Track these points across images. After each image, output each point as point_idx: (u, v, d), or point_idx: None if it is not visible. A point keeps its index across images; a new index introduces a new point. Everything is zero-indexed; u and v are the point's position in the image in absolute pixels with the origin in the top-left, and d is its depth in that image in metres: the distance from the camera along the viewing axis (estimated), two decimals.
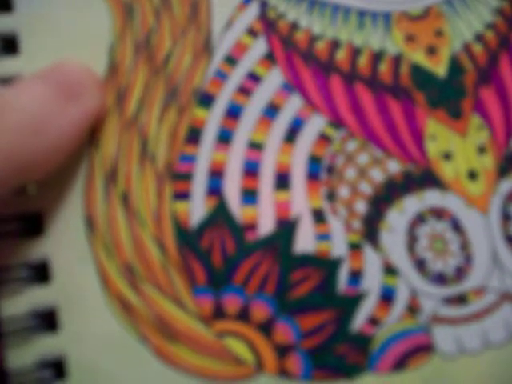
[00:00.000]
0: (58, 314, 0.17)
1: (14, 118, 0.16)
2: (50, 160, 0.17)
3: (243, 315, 0.18)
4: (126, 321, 0.18)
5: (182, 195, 0.18)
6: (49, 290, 0.18)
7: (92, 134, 0.18)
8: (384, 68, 0.20)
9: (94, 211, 0.18)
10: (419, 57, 0.20)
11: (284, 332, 0.18)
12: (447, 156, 0.20)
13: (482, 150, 0.20)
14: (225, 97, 0.19)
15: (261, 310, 0.18)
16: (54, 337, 0.17)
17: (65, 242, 0.18)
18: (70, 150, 0.17)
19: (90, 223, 0.18)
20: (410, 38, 0.20)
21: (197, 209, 0.18)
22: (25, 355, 0.17)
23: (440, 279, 0.19)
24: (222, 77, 0.19)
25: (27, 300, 0.18)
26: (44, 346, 0.17)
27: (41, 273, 0.18)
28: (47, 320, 0.17)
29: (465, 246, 0.19)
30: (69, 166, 0.18)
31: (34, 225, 0.18)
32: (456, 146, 0.20)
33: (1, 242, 0.18)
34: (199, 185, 0.18)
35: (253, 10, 0.20)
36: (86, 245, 0.18)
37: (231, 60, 0.19)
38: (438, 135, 0.20)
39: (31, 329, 0.17)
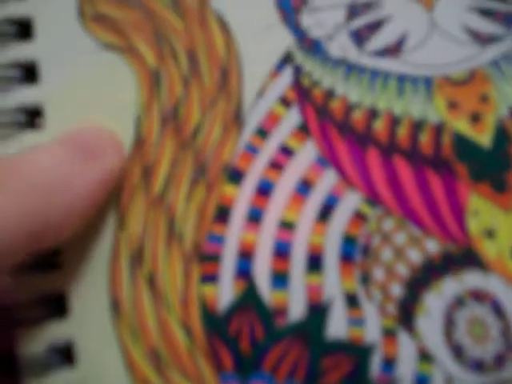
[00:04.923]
0: None
1: (27, 179, 0.16)
2: (65, 224, 0.17)
3: None
4: None
5: (210, 277, 0.18)
6: (74, 373, 0.17)
7: (117, 212, 0.18)
8: (425, 139, 0.19)
9: (119, 293, 0.17)
10: (462, 125, 0.19)
11: None
12: (490, 233, 0.18)
13: None
14: (255, 172, 0.18)
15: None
16: None
17: (90, 325, 0.17)
18: (86, 213, 0.17)
19: (116, 306, 0.17)
20: (452, 105, 0.19)
21: (225, 292, 0.18)
22: None
23: (478, 366, 0.18)
24: (252, 151, 0.18)
25: (52, 382, 0.17)
26: None
27: (66, 355, 0.17)
28: None
29: (506, 332, 0.18)
30: (93, 245, 0.18)
31: (58, 306, 0.17)
32: (499, 223, 0.19)
33: (26, 324, 0.17)
34: (227, 267, 0.18)
35: (286, 77, 0.19)
36: (111, 328, 0.17)
37: (263, 132, 0.18)
38: (481, 211, 0.18)
39: None
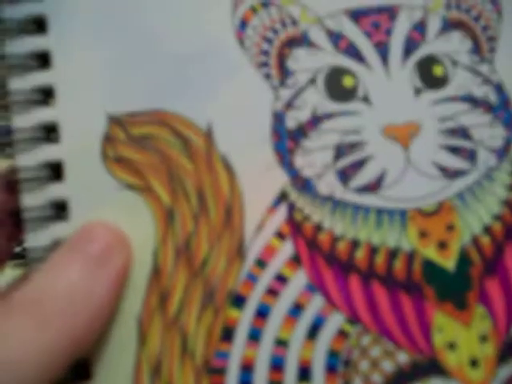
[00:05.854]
0: None
1: (53, 305, 0.19)
2: (94, 329, 0.19)
3: None
4: None
5: None
6: None
7: (138, 332, 0.21)
8: (398, 265, 0.22)
9: None
10: (431, 252, 0.22)
11: None
12: (452, 346, 0.22)
13: (484, 338, 0.22)
14: (255, 298, 0.21)
15: None
16: None
17: None
18: (108, 313, 0.20)
19: None
20: (423, 234, 0.22)
21: None
22: None
23: None
24: (252, 279, 0.21)
25: None
26: None
27: None
28: None
29: None
30: (119, 361, 0.21)
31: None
32: (460, 336, 0.22)
33: None
34: (232, 378, 0.21)
35: (281, 213, 0.22)
36: None
37: (261, 263, 0.21)
38: (445, 327, 0.22)
39: None
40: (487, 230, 0.23)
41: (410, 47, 0.23)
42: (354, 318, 0.22)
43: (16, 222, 0.22)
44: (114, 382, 0.21)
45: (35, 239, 0.21)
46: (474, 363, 0.22)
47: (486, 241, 0.23)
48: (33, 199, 0.22)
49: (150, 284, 0.21)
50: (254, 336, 0.21)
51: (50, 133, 0.22)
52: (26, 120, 0.22)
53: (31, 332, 0.18)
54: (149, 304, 0.21)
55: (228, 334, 0.21)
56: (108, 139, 0.22)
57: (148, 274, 0.21)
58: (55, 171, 0.22)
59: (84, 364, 0.21)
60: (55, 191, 0.22)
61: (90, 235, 0.20)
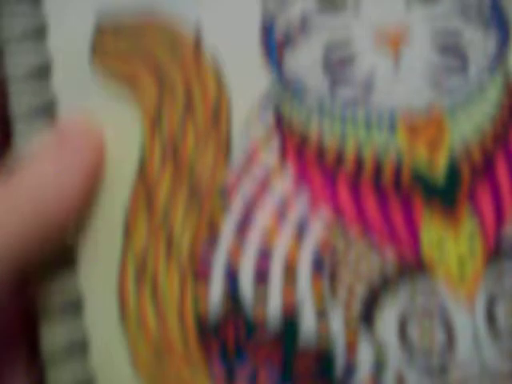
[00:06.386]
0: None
1: (22, 192, 0.19)
2: (66, 219, 0.20)
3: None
4: None
5: (202, 291, 0.21)
6: (88, 364, 0.21)
7: (124, 230, 0.21)
8: (387, 166, 0.22)
9: (126, 299, 0.21)
10: (420, 155, 0.22)
11: None
12: (439, 246, 0.22)
13: (472, 239, 0.22)
14: (241, 197, 0.21)
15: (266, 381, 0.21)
16: None
17: (101, 325, 0.21)
18: (81, 205, 0.20)
19: (123, 309, 0.21)
20: (412, 138, 0.22)
21: (215, 303, 0.21)
22: None
23: (426, 369, 0.21)
24: (239, 178, 0.21)
25: (68, 374, 0.21)
26: None
27: (80, 348, 0.21)
28: None
29: (450, 340, 0.21)
30: (104, 263, 0.21)
31: (75, 306, 0.21)
32: (448, 237, 0.22)
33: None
34: (217, 281, 0.21)
35: (269, 113, 0.22)
36: (119, 327, 0.21)
37: (248, 162, 0.21)
38: (432, 227, 0.22)
39: None
40: (477, 136, 0.22)
41: None
42: (340, 217, 0.22)
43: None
44: (99, 281, 0.21)
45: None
46: (461, 264, 0.22)
47: (475, 146, 0.22)
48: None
49: (137, 182, 0.21)
50: (240, 234, 0.21)
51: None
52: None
53: None
54: (135, 202, 0.21)
55: (213, 231, 0.21)
56: (97, 33, 0.22)
57: (134, 172, 0.21)
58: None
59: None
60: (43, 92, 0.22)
61: (64, 130, 0.20)
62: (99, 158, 0.20)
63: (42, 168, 0.19)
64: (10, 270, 0.19)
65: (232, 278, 0.21)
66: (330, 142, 0.22)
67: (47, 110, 0.22)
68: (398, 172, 0.22)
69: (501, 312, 0.22)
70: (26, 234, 0.19)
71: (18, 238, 0.18)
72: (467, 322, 0.22)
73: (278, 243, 0.21)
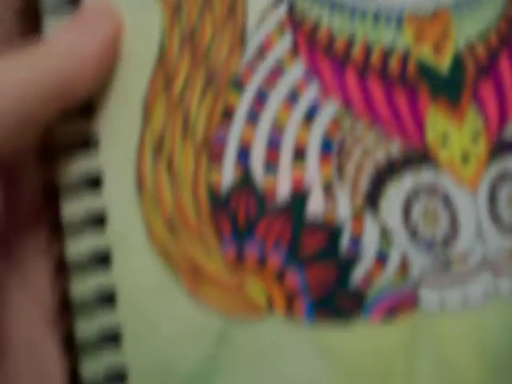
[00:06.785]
0: (111, 254, 0.22)
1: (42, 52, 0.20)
2: (80, 82, 0.21)
3: (260, 265, 0.22)
4: (165, 264, 0.22)
5: (216, 164, 0.22)
6: (106, 234, 0.22)
7: (143, 111, 0.22)
8: (393, 62, 0.23)
9: (143, 173, 0.22)
10: (425, 53, 0.23)
11: (293, 280, 0.22)
12: (444, 141, 0.23)
13: (475, 136, 0.23)
14: (254, 83, 0.23)
15: (275, 261, 0.22)
16: (108, 272, 0.22)
17: (119, 199, 0.22)
18: (98, 76, 0.21)
19: (140, 183, 0.22)
20: (418, 36, 0.23)
21: (227, 176, 0.22)
22: (83, 286, 0.21)
23: (429, 246, 0.22)
24: (252, 66, 0.23)
25: (87, 243, 0.22)
26: (99, 279, 0.22)
27: (99, 221, 0.22)
28: (103, 258, 0.22)
29: (453, 220, 0.22)
30: (123, 139, 0.22)
31: (95, 182, 0.22)
32: (452, 132, 0.23)
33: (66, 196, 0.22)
34: (230, 156, 0.22)
35: (282, 8, 0.23)
36: (136, 200, 0.22)
37: (261, 52, 0.23)
38: (437, 122, 0.23)
39: (89, 265, 0.21)
40: (482, 37, 0.24)
41: None
42: (348, 107, 0.23)
43: None
44: (119, 156, 0.22)
45: None
46: (465, 159, 0.23)
47: (480, 47, 0.23)
48: None
49: (156, 67, 0.23)
50: (253, 118, 0.23)
51: None
52: None
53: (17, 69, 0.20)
54: (154, 86, 0.23)
55: (227, 116, 0.23)
56: None
57: (154, 58, 0.23)
58: None
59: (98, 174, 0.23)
60: None
61: (85, 8, 0.22)
62: (118, 31, 0.22)
63: (64, 37, 0.21)
64: (32, 133, 0.20)
65: (244, 154, 0.22)
66: (340, 36, 0.23)
67: None
68: (404, 64, 0.23)
69: (503, 197, 0.23)
70: (47, 96, 0.20)
71: (40, 101, 0.20)
72: (470, 206, 0.23)
73: (289, 126, 0.23)
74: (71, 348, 0.22)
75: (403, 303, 0.22)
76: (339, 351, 0.22)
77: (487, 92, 0.23)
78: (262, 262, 0.22)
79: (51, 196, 0.22)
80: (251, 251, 0.22)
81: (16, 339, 0.22)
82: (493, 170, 0.23)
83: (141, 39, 0.23)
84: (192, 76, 0.23)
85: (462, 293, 0.22)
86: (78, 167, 0.22)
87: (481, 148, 0.23)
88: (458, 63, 0.23)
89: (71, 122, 0.22)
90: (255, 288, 0.22)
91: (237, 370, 0.22)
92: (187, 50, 0.23)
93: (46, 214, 0.23)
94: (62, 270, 0.22)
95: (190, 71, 0.23)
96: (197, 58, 0.23)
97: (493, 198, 0.23)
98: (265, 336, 0.22)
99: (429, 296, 0.22)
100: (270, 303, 0.22)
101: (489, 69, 0.23)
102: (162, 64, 0.23)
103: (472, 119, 0.23)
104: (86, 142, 0.22)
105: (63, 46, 0.21)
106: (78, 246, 0.22)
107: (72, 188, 0.22)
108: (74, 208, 0.22)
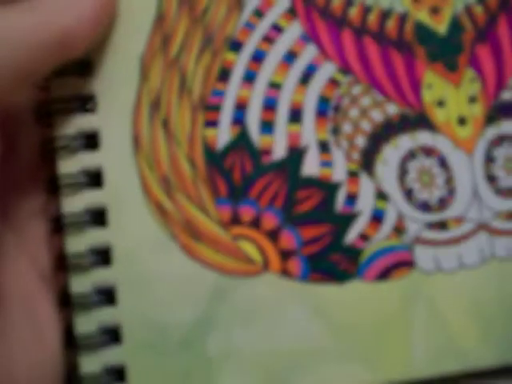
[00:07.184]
0: (107, 211, 0.22)
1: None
2: (79, 33, 0.21)
3: (255, 223, 0.22)
4: (160, 221, 0.22)
5: (212, 123, 0.22)
6: (102, 192, 0.22)
7: (141, 69, 0.22)
8: (391, 24, 0.23)
9: (140, 132, 0.22)
10: (423, 16, 0.23)
11: (288, 239, 0.22)
12: (440, 103, 0.23)
13: (473, 99, 0.23)
14: (251, 44, 0.23)
15: (270, 220, 0.22)
16: (104, 230, 0.22)
17: (116, 157, 0.22)
18: (95, 25, 0.21)
19: (137, 141, 0.22)
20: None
21: (223, 135, 0.22)
22: (79, 243, 0.22)
23: (425, 207, 0.22)
24: (250, 27, 0.23)
25: (83, 201, 0.22)
26: (95, 236, 0.22)
27: (95, 179, 0.22)
28: (99, 216, 0.22)
29: (449, 181, 0.22)
30: (121, 96, 0.22)
31: (91, 140, 0.22)
32: (449, 95, 0.23)
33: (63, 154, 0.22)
34: (226, 115, 0.22)
35: None
36: (132, 159, 0.22)
37: (259, 13, 0.23)
38: (434, 85, 0.23)
39: (85, 223, 0.21)
40: (481, 0, 0.24)
41: None
42: (345, 68, 0.23)
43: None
44: (116, 115, 0.22)
45: None
46: (462, 121, 0.23)
47: (479, 10, 0.23)
48: None
49: (154, 27, 0.23)
50: (249, 78, 0.23)
51: None
52: None
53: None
54: (152, 44, 0.23)
55: (224, 75, 0.23)
56: None
57: (152, 18, 0.23)
58: None
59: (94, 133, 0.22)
60: None
61: None
62: None
63: None
64: (28, 87, 0.20)
65: (241, 113, 0.22)
66: (337, 1, 0.23)
67: None
68: (401, 26, 0.23)
69: (499, 159, 0.23)
70: (43, 48, 0.20)
71: (36, 51, 0.20)
72: (466, 167, 0.23)
73: (285, 85, 0.23)
74: (66, 305, 0.22)
75: (399, 262, 0.22)
76: (334, 309, 0.22)
77: (485, 56, 0.23)
78: (257, 220, 0.22)
79: (48, 155, 0.22)
80: (246, 210, 0.22)
81: (12, 294, 0.22)
82: (489, 133, 0.23)
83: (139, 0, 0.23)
84: (189, 36, 0.23)
85: (458, 253, 0.22)
86: (75, 126, 0.22)
87: (478, 111, 0.23)
88: (455, 25, 0.23)
89: (68, 81, 0.22)
90: (250, 246, 0.22)
91: (231, 326, 0.22)
92: (185, 11, 0.23)
93: (43, 173, 0.23)
94: (59, 228, 0.22)
95: (188, 31, 0.23)
96: (194, 18, 0.23)
97: (489, 160, 0.23)
98: (259, 293, 0.22)
99: (424, 255, 0.22)
100: (265, 261, 0.22)
101: (487, 32, 0.23)
102: (160, 24, 0.23)
103: (469, 83, 0.23)
104: (83, 101, 0.22)
105: None
106: (74, 204, 0.22)
107: (69, 147, 0.22)
108: (70, 166, 0.22)
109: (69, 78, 0.22)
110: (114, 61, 0.23)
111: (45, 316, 0.22)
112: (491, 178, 0.23)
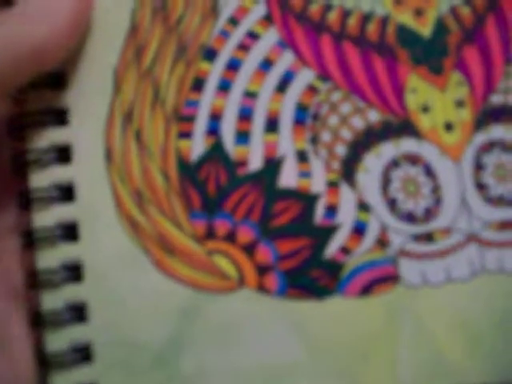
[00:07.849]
0: (79, 226, 0.21)
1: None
2: (52, 45, 0.20)
3: (230, 237, 0.21)
4: (133, 236, 0.21)
5: (186, 134, 0.22)
6: (74, 206, 0.21)
7: (114, 81, 0.22)
8: (372, 28, 0.22)
9: (112, 144, 0.22)
10: (406, 18, 0.22)
11: (264, 254, 0.21)
12: (425, 108, 0.22)
13: (460, 103, 0.22)
14: (226, 52, 0.22)
15: (246, 234, 0.21)
16: (75, 245, 0.21)
17: (88, 171, 0.22)
18: (70, 36, 0.21)
19: (109, 154, 0.21)
20: (398, 1, 0.22)
21: (197, 146, 0.22)
22: (50, 259, 0.21)
23: (409, 218, 0.21)
24: (225, 35, 0.22)
25: (55, 215, 0.21)
26: (67, 251, 0.21)
27: (67, 193, 0.21)
28: (71, 231, 0.21)
29: (435, 190, 0.21)
30: (94, 109, 0.22)
31: (64, 153, 0.22)
32: (435, 100, 0.22)
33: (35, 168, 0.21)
34: (200, 126, 0.22)
35: None
36: (104, 172, 0.21)
37: (234, 21, 0.22)
38: (418, 89, 0.22)
39: (57, 237, 0.21)
40: (468, 1, 0.22)
41: None
42: (324, 75, 0.22)
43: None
44: (88, 128, 0.22)
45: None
46: (448, 127, 0.22)
47: (465, 11, 0.22)
48: None
49: (127, 39, 0.22)
50: (224, 87, 0.22)
51: None
52: None
53: None
54: (125, 56, 0.22)
55: (198, 85, 0.22)
56: None
57: (125, 29, 0.22)
58: None
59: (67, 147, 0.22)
60: None
61: None
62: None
63: (34, 1, 0.21)
64: (1, 99, 0.20)
65: (215, 124, 0.22)
66: (315, 2, 0.22)
67: None
68: (383, 29, 0.22)
69: (489, 166, 0.22)
70: (18, 59, 0.20)
71: (11, 62, 0.20)
72: (454, 176, 0.21)
73: (261, 94, 0.22)
74: (38, 323, 0.22)
75: (382, 277, 0.21)
76: (313, 325, 0.21)
77: (472, 58, 0.22)
78: (232, 234, 0.21)
79: (20, 169, 0.22)
80: (221, 223, 0.21)
81: None
82: (478, 139, 0.22)
83: (113, 10, 0.23)
84: (163, 46, 0.22)
85: (445, 266, 0.21)
86: (47, 139, 0.22)
87: (466, 115, 0.22)
88: (440, 27, 0.22)
89: (41, 93, 0.22)
90: (225, 261, 0.21)
91: (206, 344, 0.21)
92: (159, 21, 0.22)
93: (14, 189, 0.22)
94: (30, 243, 0.22)
95: (162, 41, 0.22)
96: (168, 28, 0.22)
97: (478, 167, 0.22)
98: (235, 309, 0.21)
99: (409, 269, 0.21)
100: (241, 277, 0.21)
101: (474, 34, 0.22)
102: (134, 35, 0.22)
103: (455, 87, 0.22)
104: (56, 114, 0.22)
105: (34, 10, 0.21)
106: (46, 219, 0.22)
107: (41, 160, 0.22)
108: (42, 180, 0.22)
109: (42, 91, 0.22)
110: (88, 73, 0.22)
111: (16, 335, 0.21)
112: (481, 186, 0.22)
